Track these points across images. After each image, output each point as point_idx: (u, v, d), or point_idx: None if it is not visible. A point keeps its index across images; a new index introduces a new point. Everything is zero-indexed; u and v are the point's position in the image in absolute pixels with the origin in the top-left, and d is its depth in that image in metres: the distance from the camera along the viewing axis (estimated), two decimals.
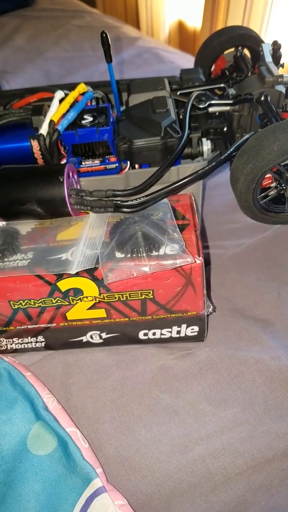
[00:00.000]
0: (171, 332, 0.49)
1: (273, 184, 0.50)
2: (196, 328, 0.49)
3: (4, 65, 1.13)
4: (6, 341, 0.50)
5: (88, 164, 0.52)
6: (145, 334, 0.50)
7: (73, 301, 0.45)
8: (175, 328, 0.49)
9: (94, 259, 0.43)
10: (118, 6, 2.01)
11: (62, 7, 1.43)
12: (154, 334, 0.50)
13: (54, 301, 0.44)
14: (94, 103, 0.55)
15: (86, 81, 0.62)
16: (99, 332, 0.49)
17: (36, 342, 0.50)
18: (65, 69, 1.11)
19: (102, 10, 1.97)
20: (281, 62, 0.59)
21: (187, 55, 1.23)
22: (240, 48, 0.66)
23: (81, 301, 0.45)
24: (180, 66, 1.05)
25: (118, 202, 0.47)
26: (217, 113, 0.57)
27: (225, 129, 0.57)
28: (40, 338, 0.49)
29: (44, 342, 0.50)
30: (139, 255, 0.42)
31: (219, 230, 0.65)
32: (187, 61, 1.11)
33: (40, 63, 1.14)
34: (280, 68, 0.59)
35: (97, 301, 0.45)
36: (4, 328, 0.48)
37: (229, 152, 0.48)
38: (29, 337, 0.49)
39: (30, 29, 1.30)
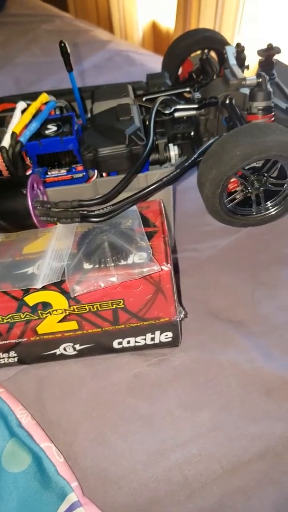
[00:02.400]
0: (145, 339, 0.49)
1: (239, 188, 0.50)
2: (170, 334, 0.49)
3: None
4: None
5: (55, 174, 0.52)
6: (120, 343, 0.49)
7: (42, 315, 0.44)
8: (149, 335, 0.49)
9: (61, 272, 0.42)
10: (90, 9, 2.00)
11: (32, 12, 1.42)
12: (128, 342, 0.49)
13: (23, 316, 0.44)
14: (58, 112, 0.55)
15: (57, 86, 0.62)
16: (72, 344, 0.48)
17: (9, 357, 0.49)
18: (35, 75, 1.10)
19: (74, 14, 1.96)
20: (246, 64, 0.59)
21: (159, 57, 1.22)
22: (206, 50, 0.66)
23: (50, 314, 0.44)
24: (151, 68, 1.05)
25: (84, 212, 0.46)
26: (184, 118, 0.57)
27: (192, 133, 0.57)
28: (12, 353, 0.49)
29: (17, 357, 0.49)
30: (107, 265, 0.42)
31: (193, 233, 0.65)
32: (159, 63, 1.10)
33: (10, 69, 1.13)
34: (246, 70, 0.60)
35: (67, 313, 0.44)
36: None
37: (193, 158, 0.48)
38: (0, 353, 0.49)
39: (0, 35, 1.28)
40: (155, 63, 1.11)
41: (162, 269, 0.42)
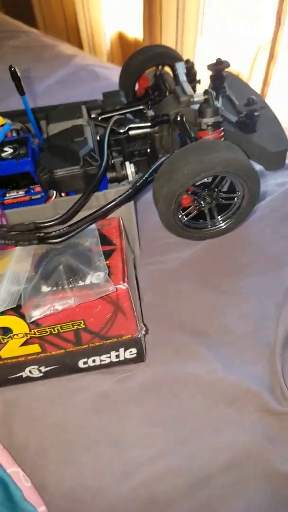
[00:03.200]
0: (110, 357, 0.50)
1: (193, 203, 0.51)
2: (134, 350, 0.49)
3: None
4: None
5: (13, 195, 0.52)
6: (85, 363, 0.49)
7: (4, 340, 0.44)
8: (113, 353, 0.49)
9: (17, 296, 0.42)
10: (59, 23, 2.01)
11: None
12: (94, 361, 0.50)
13: None
14: (14, 134, 0.55)
15: (15, 108, 0.62)
16: (37, 367, 0.48)
17: None
18: (1, 92, 1.10)
19: (44, 29, 1.96)
20: (198, 78, 0.60)
21: None
22: (160, 67, 0.67)
23: (12, 339, 0.44)
24: (115, 82, 1.05)
25: (42, 234, 0.47)
26: (142, 135, 0.58)
27: (148, 150, 0.58)
28: None
29: None
30: (64, 287, 0.42)
31: (158, 246, 0.65)
32: None
33: None
34: (198, 84, 0.61)
35: (29, 337, 0.44)
36: None
37: (145, 177, 0.49)
38: None
39: None
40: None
41: (119, 288, 0.42)
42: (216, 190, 0.50)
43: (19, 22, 1.53)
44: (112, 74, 1.16)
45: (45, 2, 2.01)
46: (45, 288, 0.43)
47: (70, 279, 0.42)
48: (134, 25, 1.74)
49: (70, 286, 0.42)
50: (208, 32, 1.30)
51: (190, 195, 0.49)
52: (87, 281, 0.43)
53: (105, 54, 1.93)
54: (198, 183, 0.48)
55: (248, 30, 1.19)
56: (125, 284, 0.43)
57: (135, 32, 1.80)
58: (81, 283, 0.43)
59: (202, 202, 0.50)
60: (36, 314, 0.41)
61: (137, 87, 0.70)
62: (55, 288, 0.43)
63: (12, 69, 0.49)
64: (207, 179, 0.49)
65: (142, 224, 0.68)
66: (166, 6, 1.37)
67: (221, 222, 0.53)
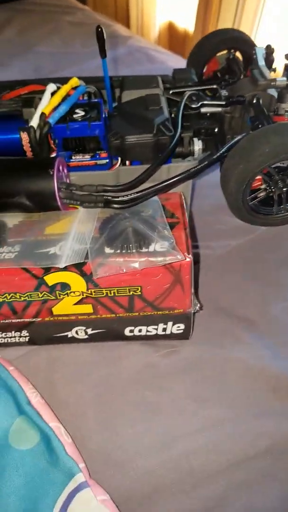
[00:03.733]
0: (157, 329, 0.49)
1: (263, 186, 0.51)
2: (182, 326, 0.49)
3: None
4: None
5: (79, 158, 0.52)
6: (131, 331, 0.49)
7: (60, 296, 0.44)
8: (161, 326, 0.49)
9: (83, 254, 0.42)
10: (109, 4, 2.01)
11: (54, 2, 1.42)
12: (140, 331, 0.50)
13: (40, 295, 0.44)
14: (86, 97, 0.55)
15: (79, 76, 0.62)
16: (84, 328, 0.49)
17: (20, 336, 0.49)
18: (55, 65, 1.10)
19: (93, 7, 1.96)
20: (273, 66, 0.60)
21: (177, 57, 1.23)
22: (232, 50, 0.67)
23: (68, 296, 0.44)
24: (170, 66, 1.05)
25: (108, 197, 0.47)
26: (208, 114, 0.58)
27: (216, 130, 0.57)
28: (24, 332, 0.49)
29: (28, 337, 0.49)
30: (129, 251, 0.42)
31: (207, 231, 0.65)
32: (178, 63, 1.11)
33: (30, 57, 1.13)
34: (272, 72, 0.60)
35: (84, 296, 0.45)
36: None
37: (221, 152, 0.48)
38: (13, 331, 0.49)
39: (21, 22, 1.28)
40: (174, 62, 1.12)
41: (184, 259, 0.42)
42: None
43: None
44: (166, 59, 1.16)
45: None
46: (109, 250, 0.43)
47: (136, 244, 0.42)
48: (185, 16, 1.73)
49: (136, 250, 0.42)
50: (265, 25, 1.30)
51: (264, 176, 0.49)
52: (151, 249, 0.43)
53: (152, 41, 1.92)
54: (274, 165, 0.48)
55: None
56: (190, 256, 0.43)
57: (186, 23, 1.79)
58: (145, 250, 0.43)
59: (273, 186, 0.49)
60: (101, 272, 0.41)
61: (205, 69, 0.69)
62: (119, 251, 0.43)
63: (100, 29, 0.49)
64: (282, 164, 0.49)
65: (195, 207, 0.68)
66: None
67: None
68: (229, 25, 1.37)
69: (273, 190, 0.50)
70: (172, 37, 1.94)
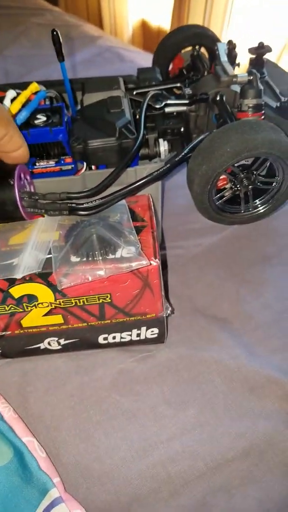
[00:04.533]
0: (131, 335, 0.49)
1: (228, 185, 0.50)
2: (156, 330, 0.48)
3: None
4: None
5: (43, 165, 0.51)
6: (105, 339, 0.49)
7: (27, 308, 0.43)
8: (135, 331, 0.48)
9: (42, 263, 0.41)
10: (80, 5, 1.99)
11: (22, 5, 1.40)
12: (114, 338, 0.49)
13: (7, 309, 0.43)
14: (48, 102, 0.54)
15: (46, 79, 0.61)
16: (57, 339, 0.48)
17: None
18: (25, 68, 1.08)
19: (64, 8, 1.94)
20: (237, 61, 0.59)
21: (149, 54, 1.22)
22: (197, 47, 0.66)
23: (36, 307, 0.43)
24: (141, 65, 1.04)
25: (73, 205, 0.46)
26: (174, 113, 0.57)
27: (182, 129, 0.57)
28: None
29: (0, 351, 0.48)
30: (95, 258, 0.41)
31: (179, 231, 0.65)
32: (148, 61, 1.09)
33: None
34: (236, 67, 0.60)
35: (53, 307, 0.44)
36: None
37: (183, 153, 0.48)
38: None
39: None
40: (145, 60, 1.11)
41: (150, 264, 0.41)
42: (254, 173, 0.49)
43: (42, 0, 1.52)
44: (137, 58, 1.15)
45: None
46: (75, 258, 0.42)
47: (102, 251, 0.41)
48: (158, 13, 1.72)
49: (102, 257, 0.41)
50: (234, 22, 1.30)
51: (228, 175, 0.48)
52: (118, 255, 0.42)
53: (126, 40, 1.91)
54: (237, 164, 0.47)
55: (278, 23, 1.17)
56: (157, 260, 0.42)
57: (159, 20, 1.78)
58: (111, 256, 0.42)
59: (238, 185, 0.49)
60: (66, 282, 0.40)
61: (171, 67, 0.68)
62: (85, 259, 0.42)
63: (55, 33, 0.48)
64: (246, 161, 0.48)
65: (166, 207, 0.67)
66: None
67: (258, 206, 0.52)
68: (199, 19, 1.37)
69: (238, 188, 0.50)
70: (146, 35, 1.93)
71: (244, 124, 0.45)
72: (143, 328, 0.48)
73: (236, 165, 0.48)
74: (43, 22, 1.31)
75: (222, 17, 1.33)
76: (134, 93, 0.57)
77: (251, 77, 0.49)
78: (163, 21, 1.74)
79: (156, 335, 0.49)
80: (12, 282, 0.41)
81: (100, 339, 0.49)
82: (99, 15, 1.92)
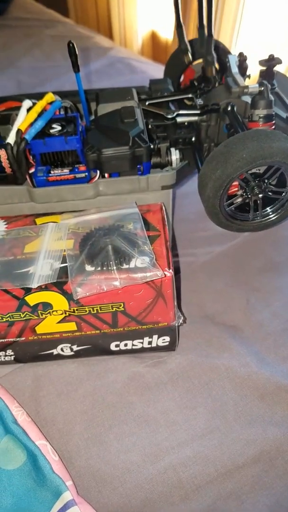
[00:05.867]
0: (142, 342, 0.49)
1: (239, 192, 0.51)
2: (167, 339, 0.49)
3: None
4: None
5: (57, 173, 0.52)
6: (117, 346, 0.49)
7: (42, 315, 0.44)
8: (146, 339, 0.49)
9: (57, 272, 0.42)
10: (90, 16, 2.02)
11: (36, 16, 1.43)
12: (125, 345, 0.49)
13: (22, 316, 0.44)
14: (62, 112, 0.55)
15: (58, 90, 0.63)
16: (69, 345, 0.48)
17: (5, 355, 0.49)
18: (38, 79, 1.10)
19: (75, 19, 1.97)
20: (247, 73, 0.60)
21: (159, 66, 1.24)
22: None
23: (50, 315, 0.44)
24: (152, 76, 1.07)
25: None
26: (186, 123, 0.58)
27: (193, 139, 0.58)
28: (9, 351, 0.48)
29: (13, 356, 0.49)
30: (110, 268, 0.42)
31: (190, 238, 0.65)
32: (160, 72, 1.11)
33: (12, 72, 1.13)
34: (247, 79, 0.61)
35: (67, 314, 0.44)
36: None
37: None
38: None
39: (2, 37, 1.29)
40: (156, 71, 1.13)
41: (164, 275, 0.42)
42: (266, 182, 0.50)
43: (53, 11, 1.54)
44: (148, 68, 1.17)
45: None
46: (89, 268, 0.43)
47: (117, 261, 0.42)
48: (166, 26, 1.74)
49: (116, 267, 0.42)
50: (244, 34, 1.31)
51: (240, 182, 0.49)
52: (132, 265, 0.43)
53: (136, 51, 1.93)
54: (251, 171, 0.48)
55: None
56: (170, 271, 0.43)
57: (167, 33, 1.80)
58: (125, 266, 0.42)
59: (249, 192, 0.50)
60: (82, 292, 0.41)
61: (182, 78, 0.69)
62: (99, 269, 0.42)
63: (71, 45, 0.49)
64: (258, 170, 0.49)
65: (177, 215, 0.68)
66: None
67: (269, 214, 0.53)
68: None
69: (249, 196, 0.50)
70: (155, 47, 1.95)
71: (260, 132, 0.46)
72: (155, 336, 0.49)
73: (249, 172, 0.49)
74: (55, 33, 1.33)
75: (231, 30, 1.35)
76: (147, 103, 0.58)
77: (262, 88, 0.50)
78: (171, 34, 1.76)
79: (167, 343, 0.49)
80: (28, 290, 0.42)
81: (112, 346, 0.49)
82: (109, 26, 1.95)
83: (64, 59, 1.19)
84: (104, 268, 0.42)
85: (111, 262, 0.42)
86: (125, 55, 1.24)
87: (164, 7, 1.65)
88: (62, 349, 0.49)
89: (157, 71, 1.14)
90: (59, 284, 0.42)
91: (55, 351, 0.49)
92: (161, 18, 1.76)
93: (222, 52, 0.66)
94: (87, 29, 1.46)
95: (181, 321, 0.47)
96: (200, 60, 0.68)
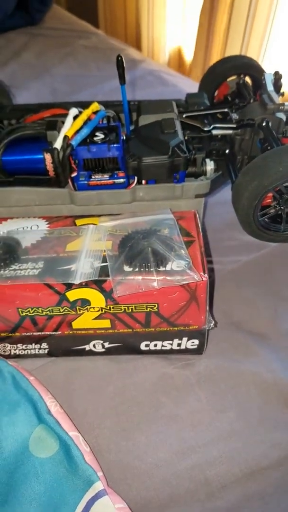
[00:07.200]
0: (172, 344, 0.51)
1: (273, 204, 0.53)
2: (196, 342, 0.51)
3: (11, 80, 1.16)
4: (10, 346, 0.51)
5: (98, 178, 0.55)
6: (147, 345, 0.51)
7: (80, 311, 0.46)
8: (176, 341, 0.51)
9: (98, 270, 0.45)
10: (119, 29, 2.07)
11: (69, 27, 1.48)
12: (155, 345, 0.51)
13: (61, 310, 0.46)
14: (105, 121, 0.58)
15: (91, 99, 0.66)
16: (102, 342, 0.50)
17: (40, 348, 0.51)
18: (71, 87, 1.14)
19: (104, 31, 2.02)
20: (281, 91, 0.62)
21: (188, 79, 1.27)
22: (242, 76, 0.70)
23: (87, 311, 0.46)
24: (182, 89, 1.09)
25: None
26: (219, 136, 0.60)
27: (227, 151, 0.60)
28: (44, 345, 0.51)
29: (47, 349, 0.51)
30: (148, 269, 0.44)
31: (218, 247, 0.67)
32: (189, 86, 1.15)
33: (46, 79, 1.17)
34: (280, 96, 0.63)
35: (103, 312, 0.46)
36: (10, 334, 0.50)
37: None
38: (33, 344, 0.51)
39: (38, 46, 1.33)
40: (186, 85, 1.16)
41: (201, 279, 0.44)
42: None
43: (86, 22, 1.59)
44: (178, 82, 1.19)
45: (109, 6, 2.08)
46: (127, 268, 0.45)
47: (155, 263, 0.44)
48: (192, 43, 1.78)
49: (154, 269, 0.44)
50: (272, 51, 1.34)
51: (275, 193, 0.51)
52: (168, 267, 0.45)
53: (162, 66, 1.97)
54: (286, 184, 0.50)
55: None
56: (206, 275, 0.45)
57: (192, 50, 1.83)
58: (162, 269, 0.45)
59: (283, 204, 0.52)
60: (122, 291, 0.43)
61: (216, 93, 0.72)
62: (137, 269, 0.44)
63: (119, 58, 0.52)
64: None
65: (207, 224, 0.70)
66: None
67: None
68: (236, 51, 1.41)
69: (282, 208, 0.52)
70: (182, 62, 1.99)
71: None
72: (185, 339, 0.50)
73: (284, 185, 0.51)
74: (89, 44, 1.37)
75: (259, 48, 1.38)
76: (184, 116, 0.61)
77: None
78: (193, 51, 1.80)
79: (196, 346, 0.51)
80: (69, 286, 0.44)
81: (142, 346, 0.51)
82: (137, 38, 2.00)
83: (97, 69, 1.23)
84: (142, 269, 0.44)
85: (149, 264, 0.44)
86: (156, 68, 1.27)
87: (191, 25, 1.69)
88: (94, 345, 0.51)
89: (188, 85, 1.17)
90: (99, 282, 0.44)
91: (87, 347, 0.51)
92: (187, 35, 1.79)
93: (257, 70, 0.69)
94: (118, 41, 1.50)
95: (212, 325, 0.49)
96: (234, 77, 0.71)
